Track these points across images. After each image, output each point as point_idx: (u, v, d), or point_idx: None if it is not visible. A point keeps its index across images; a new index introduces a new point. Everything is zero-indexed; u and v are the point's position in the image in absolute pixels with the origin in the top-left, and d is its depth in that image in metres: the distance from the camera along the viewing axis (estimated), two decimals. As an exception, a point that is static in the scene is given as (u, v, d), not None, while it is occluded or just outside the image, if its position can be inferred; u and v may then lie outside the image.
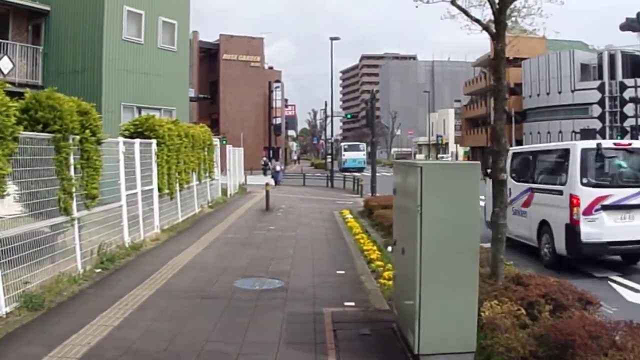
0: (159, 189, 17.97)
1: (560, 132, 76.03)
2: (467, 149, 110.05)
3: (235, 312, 9.32)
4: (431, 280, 6.88)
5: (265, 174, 54.58)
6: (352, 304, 9.86)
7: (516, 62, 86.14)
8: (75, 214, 11.36)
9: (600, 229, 13.75)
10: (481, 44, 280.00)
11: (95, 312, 9.07)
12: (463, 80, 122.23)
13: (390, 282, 10.80)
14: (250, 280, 11.66)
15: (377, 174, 53.41)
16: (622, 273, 13.86)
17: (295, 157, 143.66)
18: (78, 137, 11.55)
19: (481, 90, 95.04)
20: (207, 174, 26.65)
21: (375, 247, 15.02)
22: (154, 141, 17.60)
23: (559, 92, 76.91)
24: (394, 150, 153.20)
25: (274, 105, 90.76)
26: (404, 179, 7.93)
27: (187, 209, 22.23)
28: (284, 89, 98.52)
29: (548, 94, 78.60)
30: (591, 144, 14.17)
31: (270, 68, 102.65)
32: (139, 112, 25.51)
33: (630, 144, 14.98)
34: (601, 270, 14.39)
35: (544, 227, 15.21)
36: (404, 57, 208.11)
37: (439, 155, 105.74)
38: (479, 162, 7.95)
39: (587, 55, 79.14)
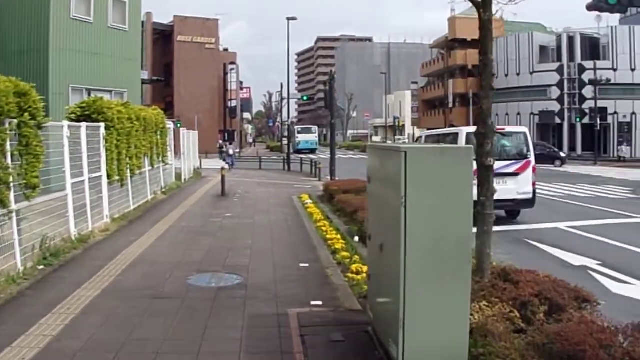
0: (109, 176, 16.89)
1: (518, 114, 76.15)
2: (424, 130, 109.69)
3: (189, 316, 8.28)
4: (417, 282, 5.89)
5: (221, 157, 53.44)
6: (320, 303, 8.89)
7: (474, 44, 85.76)
8: (14, 206, 10.29)
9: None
10: (437, 27, 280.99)
11: (33, 318, 7.97)
12: (419, 63, 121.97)
13: (360, 277, 10.01)
14: (206, 276, 10.65)
15: (323, 156, 52.69)
16: (601, 262, 13.17)
17: (250, 140, 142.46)
18: (15, 121, 10.49)
19: (439, 72, 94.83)
20: (160, 159, 25.57)
21: (339, 236, 14.14)
22: (102, 125, 16.46)
23: (518, 74, 76.88)
24: (350, 132, 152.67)
25: (229, 88, 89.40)
26: (381, 165, 6.98)
27: (139, 196, 21.14)
28: (239, 71, 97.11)
29: (507, 75, 78.45)
30: (472, 129, 14.73)
31: (226, 50, 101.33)
32: (89, 95, 24.04)
33: (503, 129, 17.83)
34: (577, 258, 13.81)
35: None
36: (360, 39, 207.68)
37: (396, 137, 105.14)
38: (471, 146, 7.03)
39: (545, 38, 79.22)
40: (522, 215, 20.51)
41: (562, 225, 18.92)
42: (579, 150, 71.47)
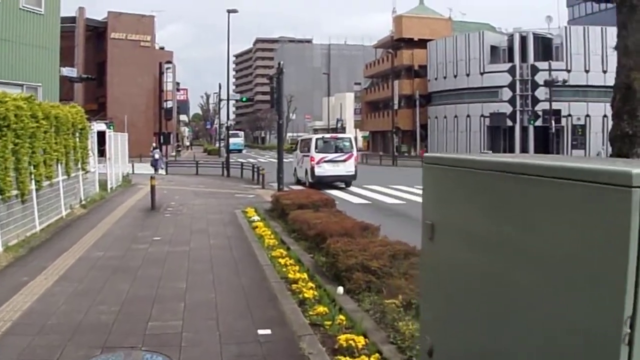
0: (1, 191, 13.01)
1: (468, 116, 73.94)
2: (367, 133, 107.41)
3: None
4: None
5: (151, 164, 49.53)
6: None
7: (420, 44, 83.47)
8: None
9: (324, 170, 33.30)
10: (378, 29, 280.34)
11: None
12: (361, 64, 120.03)
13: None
14: (115, 357, 6.91)
15: (264, 160, 49.68)
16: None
17: (187, 143, 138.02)
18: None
19: (383, 72, 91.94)
20: (79, 166, 21.65)
21: (304, 274, 10.45)
22: (-12, 124, 12.59)
23: (467, 75, 74.39)
24: (289, 135, 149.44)
25: (164, 88, 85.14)
26: (518, 214, 2.94)
27: (50, 212, 17.29)
28: (176, 72, 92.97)
29: (455, 76, 76.05)
30: (320, 135, 37.77)
31: (162, 49, 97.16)
32: (-7, 89, 20.13)
33: (335, 137, 38.54)
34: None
35: (307, 171, 34.14)
36: (300, 41, 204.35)
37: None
38: None
39: (496, 37, 76.99)
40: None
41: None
42: (531, 153, 68.92)
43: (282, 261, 11.72)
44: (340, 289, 9.03)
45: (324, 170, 33.23)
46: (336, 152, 34.14)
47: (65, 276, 10.99)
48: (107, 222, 18.18)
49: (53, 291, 9.87)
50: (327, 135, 39.51)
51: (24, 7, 23.98)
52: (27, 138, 14.89)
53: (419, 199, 20.53)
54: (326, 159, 33.49)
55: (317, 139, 35.23)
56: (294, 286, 9.82)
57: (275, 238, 14.66)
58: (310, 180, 33.48)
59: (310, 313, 8.43)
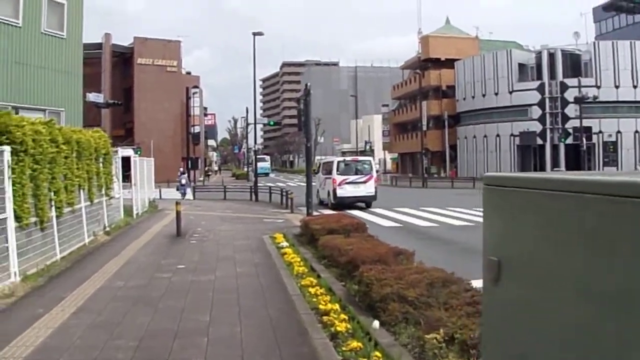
0: (18, 218, 12.47)
1: (497, 135, 72.91)
2: (395, 155, 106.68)
3: None
4: None
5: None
6: None
7: (448, 64, 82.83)
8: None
9: (345, 192, 34.79)
10: (403, 51, 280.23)
11: None
12: (387, 86, 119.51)
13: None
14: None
15: (292, 184, 49.34)
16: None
17: (216, 168, 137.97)
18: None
19: (411, 93, 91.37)
20: (103, 192, 21.17)
21: (336, 305, 9.74)
22: (6, 148, 12.05)
23: (496, 94, 73.50)
24: (317, 158, 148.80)
25: (192, 113, 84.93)
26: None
27: (71, 239, 16.76)
28: (203, 97, 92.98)
29: (484, 95, 75.17)
30: (341, 158, 40.60)
31: (188, 73, 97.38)
32: (16, 114, 19.64)
33: (355, 159, 40.10)
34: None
35: (330, 193, 35.75)
36: (326, 64, 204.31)
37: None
38: None
39: (524, 55, 76.02)
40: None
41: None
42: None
43: (312, 290, 11.02)
44: (376, 324, 8.28)
45: (346, 191, 34.91)
46: (357, 174, 35.75)
47: (83, 307, 10.39)
48: (130, 249, 17.62)
49: (69, 324, 9.26)
50: (348, 158, 41.19)
51: (45, 31, 23.65)
52: (47, 163, 14.47)
53: (452, 222, 20.10)
54: (347, 180, 35.11)
55: (338, 162, 37.10)
56: (325, 318, 9.12)
57: (305, 265, 13.97)
58: (332, 201, 35.20)
59: (344, 349, 7.73)
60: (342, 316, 9.06)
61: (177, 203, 22.27)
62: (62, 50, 24.66)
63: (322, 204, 36.25)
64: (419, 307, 8.55)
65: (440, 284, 9.20)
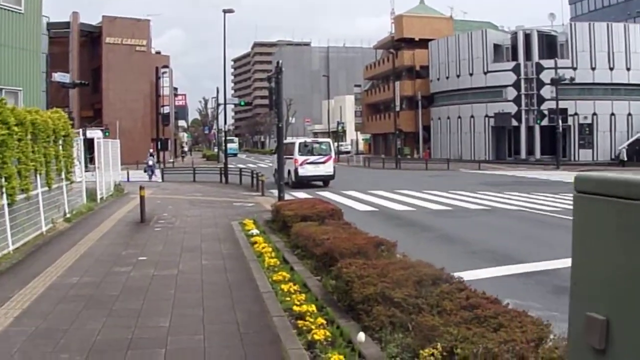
0: (-42, 207, 11.30)
1: (472, 116, 72.41)
2: (368, 136, 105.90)
3: None
4: None
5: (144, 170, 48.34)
6: None
7: (422, 44, 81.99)
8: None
9: (306, 171, 37.12)
10: (374, 32, 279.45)
11: None
12: (359, 67, 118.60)
13: None
14: None
15: (264, 165, 48.78)
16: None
17: (186, 149, 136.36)
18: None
19: (384, 74, 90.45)
20: (63, 176, 19.92)
21: (312, 306, 8.66)
22: (-56, 132, 10.83)
23: (471, 75, 72.85)
24: (289, 139, 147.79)
25: (161, 93, 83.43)
26: None
27: (26, 229, 15.52)
28: (173, 77, 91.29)
29: (458, 76, 74.53)
30: (302, 139, 43.42)
31: (158, 53, 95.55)
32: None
33: (315, 141, 43.34)
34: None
35: (291, 172, 36.47)
36: (298, 44, 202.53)
37: (339, 144, 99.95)
38: None
39: (499, 36, 75.46)
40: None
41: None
42: (537, 154, 68.04)
43: (285, 287, 9.91)
44: (362, 336, 7.15)
45: (306, 170, 37.36)
46: (317, 154, 38.24)
47: (28, 310, 9.23)
48: (90, 239, 16.41)
49: (9, 333, 8.11)
50: (309, 140, 44.93)
51: (1, 5, 22.20)
52: (-6, 147, 13.21)
53: (428, 205, 19.34)
54: (308, 160, 37.58)
55: (299, 143, 39.24)
56: (300, 323, 8.03)
57: (277, 256, 12.86)
58: (293, 179, 37.06)
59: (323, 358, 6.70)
60: (320, 320, 8.00)
61: (141, 187, 20.95)
62: (20, 25, 23.20)
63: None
64: (407, 310, 7.52)
65: (429, 282, 8.19)
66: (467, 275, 11.03)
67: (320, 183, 38.23)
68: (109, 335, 7.97)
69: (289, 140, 45.70)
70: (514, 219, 21.92)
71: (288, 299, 9.35)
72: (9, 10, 22.47)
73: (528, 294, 10.86)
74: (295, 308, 8.68)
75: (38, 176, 16.79)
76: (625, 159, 58.18)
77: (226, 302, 9.66)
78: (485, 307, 6.88)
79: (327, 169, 38.00)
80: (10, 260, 13.18)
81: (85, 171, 25.43)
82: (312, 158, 37.79)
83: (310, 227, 13.56)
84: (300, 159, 37.37)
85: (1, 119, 13.64)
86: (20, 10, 23.05)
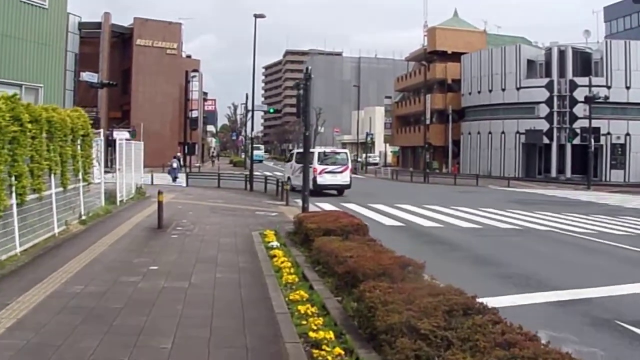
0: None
1: (502, 132, 71.23)
2: (397, 148, 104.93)
3: None
4: None
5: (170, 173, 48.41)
6: None
7: (454, 57, 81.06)
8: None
9: (324, 180, 38.49)
10: (407, 45, 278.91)
11: None
12: (390, 78, 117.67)
13: None
14: None
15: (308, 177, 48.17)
16: None
17: (214, 154, 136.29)
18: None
19: (415, 86, 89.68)
20: (80, 176, 19.27)
21: (330, 333, 7.82)
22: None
23: (503, 90, 71.55)
24: (318, 149, 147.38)
25: (190, 97, 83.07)
26: None
27: (37, 230, 14.88)
28: (203, 81, 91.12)
29: (490, 91, 73.26)
30: (321, 149, 43.24)
31: (189, 57, 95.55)
32: (-13, 89, 17.71)
33: (334, 151, 43.74)
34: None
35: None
36: (329, 54, 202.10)
37: (368, 155, 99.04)
38: None
39: (533, 51, 74.14)
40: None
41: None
42: (568, 173, 66.52)
43: (302, 309, 9.10)
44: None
45: (325, 179, 38.75)
46: (335, 164, 39.76)
47: (22, 321, 8.52)
48: (103, 244, 15.72)
49: (-6, 350, 7.39)
50: (328, 150, 44.58)
51: (25, -1, 21.69)
52: (6, 144, 12.53)
53: (457, 222, 18.39)
54: (327, 170, 38.98)
55: (319, 153, 40.65)
56: (315, 352, 7.23)
57: (296, 272, 12.06)
58: (311, 187, 34.94)
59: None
60: (337, 350, 7.21)
61: (160, 192, 20.27)
62: (43, 21, 22.67)
63: (294, 190, 35.82)
64: (435, 343, 6.69)
65: (460, 312, 7.34)
66: (499, 301, 10.33)
67: (337, 192, 39.73)
68: (103, 355, 7.20)
69: (300, 149, 46.05)
70: (546, 241, 20.96)
71: (304, 322, 8.55)
72: (33, 5, 21.93)
73: (564, 324, 10.03)
74: (311, 334, 7.85)
75: (52, 176, 16.16)
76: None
77: (236, 324, 8.83)
78: (523, 346, 6.03)
79: (344, 178, 39.39)
80: (16, 263, 12.55)
81: (105, 172, 24.83)
82: (330, 167, 39.19)
83: (333, 243, 12.73)
84: (319, 168, 38.59)
85: (13, 115, 12.98)
86: (44, 5, 22.54)
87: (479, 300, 7.72)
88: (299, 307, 9.22)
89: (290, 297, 9.99)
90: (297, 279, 11.49)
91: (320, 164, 38.85)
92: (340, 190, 39.47)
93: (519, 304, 11.15)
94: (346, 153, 42.88)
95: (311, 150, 42.56)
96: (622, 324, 10.21)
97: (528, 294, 12.24)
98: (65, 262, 12.90)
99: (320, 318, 8.64)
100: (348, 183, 39.47)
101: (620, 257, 17.83)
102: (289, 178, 40.27)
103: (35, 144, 14.56)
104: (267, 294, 10.57)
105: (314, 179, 36.95)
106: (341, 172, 39.40)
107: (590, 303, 11.64)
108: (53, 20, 23.34)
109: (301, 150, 37.20)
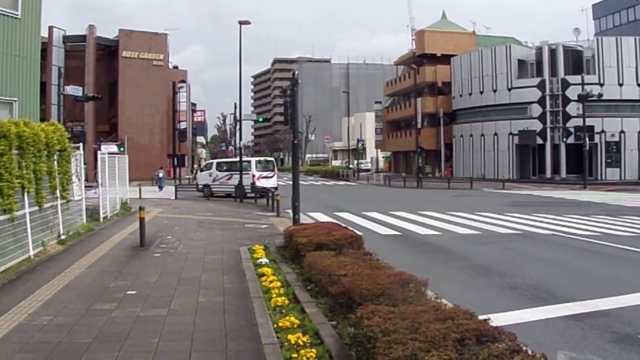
0: None
1: (495, 134, 70.55)
2: (388, 154, 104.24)
3: None
4: None
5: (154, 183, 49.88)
6: None
7: (444, 59, 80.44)
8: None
9: (261, 183, 43.90)
10: (394, 50, 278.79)
11: None
12: (379, 84, 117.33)
13: None
14: None
15: (281, 183, 48.11)
16: None
17: (203, 164, 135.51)
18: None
19: (405, 90, 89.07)
20: (58, 194, 18.24)
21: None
22: None
23: (494, 91, 70.94)
24: (308, 156, 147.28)
25: (178, 109, 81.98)
26: None
27: (10, 252, 13.88)
28: (193, 93, 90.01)
29: (481, 92, 72.65)
30: (260, 158, 53.62)
31: (175, 67, 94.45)
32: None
33: (266, 159, 51.72)
34: None
35: (238, 187, 42.10)
36: (318, 61, 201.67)
37: (359, 162, 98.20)
38: None
39: (524, 51, 73.48)
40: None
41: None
42: (563, 173, 66.10)
43: (292, 338, 8.09)
44: None
45: (261, 183, 44.06)
46: (267, 170, 47.05)
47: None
48: (79, 266, 14.65)
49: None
50: (261, 158, 52.62)
51: (-4, 9, 20.63)
52: (-30, 162, 11.54)
53: (455, 229, 16.56)
54: (262, 175, 45.64)
55: (256, 161, 48.81)
56: (307, 394, 6.26)
57: (286, 293, 11.04)
58: (249, 190, 43.03)
59: None
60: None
61: (141, 208, 19.18)
62: (16, 31, 21.56)
63: (213, 196, 45.79)
64: (446, 383, 5.71)
65: (473, 340, 6.34)
66: (508, 318, 9.66)
67: (338, 202, 41.51)
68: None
69: (220, 160, 55.78)
70: (550, 245, 20.02)
71: (295, 355, 7.55)
72: (4, 15, 20.88)
73: (584, 342, 9.13)
74: (303, 369, 6.87)
75: (26, 194, 15.13)
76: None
77: (220, 356, 7.82)
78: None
79: (274, 182, 46.17)
80: (-18, 292, 11.49)
81: (88, 188, 23.81)
82: (265, 173, 46.28)
83: (326, 259, 11.70)
84: (257, 174, 45.43)
85: (-21, 131, 11.99)
86: (16, 15, 21.45)
87: (484, 316, 6.79)
88: (289, 337, 8.19)
89: (280, 324, 8.96)
90: (287, 301, 10.47)
91: (258, 170, 45.84)
92: (270, 191, 40.84)
93: (529, 320, 10.20)
94: (273, 161, 51.33)
95: (248, 158, 53.48)
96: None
97: (538, 307, 11.27)
98: (37, 288, 11.87)
99: (313, 349, 7.66)
100: (276, 186, 45.01)
101: (630, 261, 16.94)
102: (205, 185, 47.38)
103: (4, 161, 13.57)
104: (254, 319, 9.50)
105: (253, 183, 43.64)
106: (272, 177, 46.67)
107: (608, 316, 10.69)
108: (27, 31, 22.22)
109: (222, 160, 52.80)
